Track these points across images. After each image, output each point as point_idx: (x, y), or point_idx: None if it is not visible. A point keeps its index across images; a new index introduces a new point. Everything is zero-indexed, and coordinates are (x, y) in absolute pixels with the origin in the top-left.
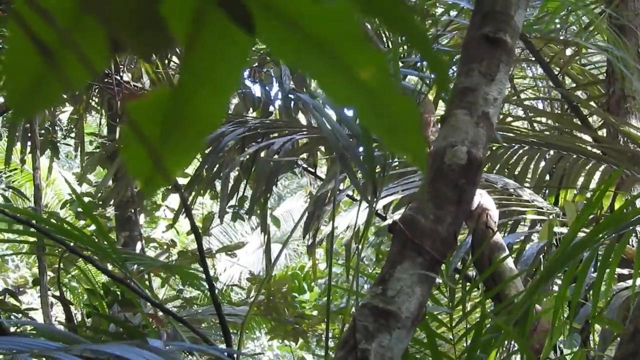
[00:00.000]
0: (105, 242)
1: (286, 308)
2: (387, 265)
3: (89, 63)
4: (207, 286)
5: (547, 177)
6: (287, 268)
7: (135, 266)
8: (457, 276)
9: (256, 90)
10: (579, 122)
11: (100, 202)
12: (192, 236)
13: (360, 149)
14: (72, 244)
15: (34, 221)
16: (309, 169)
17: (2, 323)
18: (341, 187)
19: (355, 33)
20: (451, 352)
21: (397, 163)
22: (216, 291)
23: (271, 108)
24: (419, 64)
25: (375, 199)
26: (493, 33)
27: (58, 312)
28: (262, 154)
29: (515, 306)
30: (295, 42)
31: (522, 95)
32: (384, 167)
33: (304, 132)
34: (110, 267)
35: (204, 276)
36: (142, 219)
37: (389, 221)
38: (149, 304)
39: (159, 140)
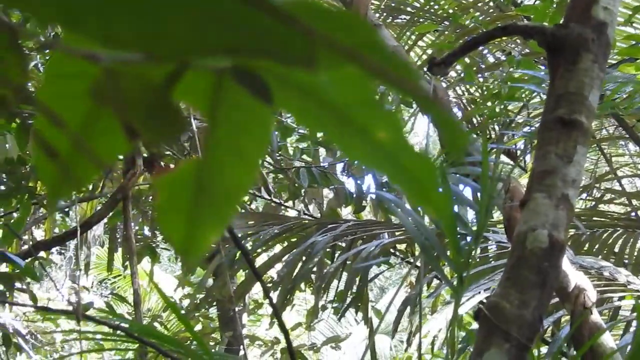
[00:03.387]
0: (198, 345)
1: None
2: (475, 352)
3: (100, 164)
4: None
5: None
6: (393, 359)
7: None
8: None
9: (350, 184)
10: None
11: (198, 302)
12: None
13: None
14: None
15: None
16: (408, 260)
17: None
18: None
19: (368, 97)
20: None
21: (492, 255)
22: None
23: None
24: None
25: (463, 290)
26: (568, 115)
27: None
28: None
29: None
30: (313, 109)
31: (619, 173)
32: (469, 259)
33: (394, 229)
34: None
35: None
36: (245, 317)
37: (474, 308)
38: None
39: (190, 213)
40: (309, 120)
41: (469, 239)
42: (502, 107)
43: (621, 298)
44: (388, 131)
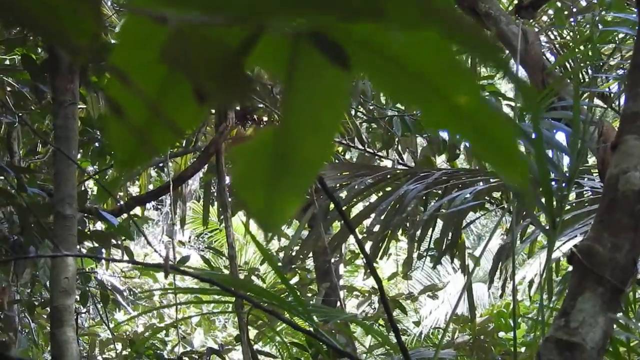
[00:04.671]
0: (292, 296)
1: (492, 347)
2: (568, 296)
3: (175, 129)
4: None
5: None
6: (492, 306)
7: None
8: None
9: (444, 132)
10: None
11: (293, 254)
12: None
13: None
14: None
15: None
16: (502, 206)
17: None
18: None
19: (448, 61)
20: None
21: (588, 201)
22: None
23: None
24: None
25: (556, 235)
26: None
27: None
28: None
29: None
30: (392, 74)
31: None
32: (561, 203)
33: (489, 177)
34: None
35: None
36: (342, 268)
37: (567, 252)
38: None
39: (269, 182)
40: (386, 84)
41: (563, 184)
42: (595, 50)
43: None
44: (467, 94)
